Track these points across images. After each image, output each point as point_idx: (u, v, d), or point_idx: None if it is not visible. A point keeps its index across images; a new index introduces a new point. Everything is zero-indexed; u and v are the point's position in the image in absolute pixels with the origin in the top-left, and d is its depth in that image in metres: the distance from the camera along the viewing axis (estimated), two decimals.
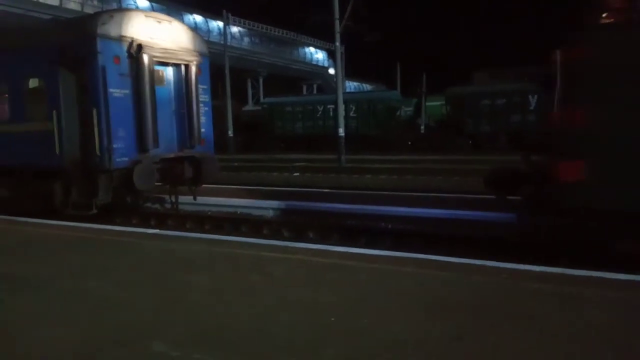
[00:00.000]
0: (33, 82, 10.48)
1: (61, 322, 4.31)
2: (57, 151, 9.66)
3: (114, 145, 9.37)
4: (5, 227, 8.75)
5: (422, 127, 35.45)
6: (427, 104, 36.17)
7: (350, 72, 36.46)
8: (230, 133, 33.85)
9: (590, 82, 5.40)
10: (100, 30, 9.29)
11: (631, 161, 5.22)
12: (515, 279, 4.97)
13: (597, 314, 4.05)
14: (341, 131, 22.74)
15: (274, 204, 12.11)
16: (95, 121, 9.28)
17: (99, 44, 9.23)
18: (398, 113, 34.48)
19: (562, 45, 5.61)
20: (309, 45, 59.11)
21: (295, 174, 18.94)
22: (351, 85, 67.68)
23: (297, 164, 21.83)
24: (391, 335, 3.78)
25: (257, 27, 46.85)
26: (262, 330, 3.98)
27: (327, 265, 5.73)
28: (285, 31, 51.38)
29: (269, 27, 48.47)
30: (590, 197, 5.44)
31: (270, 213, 11.80)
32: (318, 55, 62.46)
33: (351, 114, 32.16)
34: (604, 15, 5.51)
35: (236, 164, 22.60)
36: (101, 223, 8.85)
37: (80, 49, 9.45)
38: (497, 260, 5.58)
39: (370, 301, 4.51)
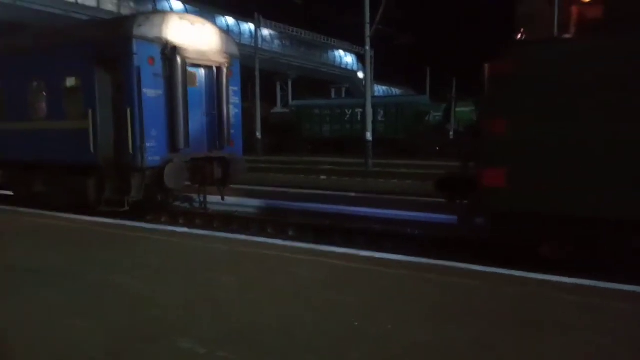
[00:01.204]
0: (70, 81, 10.79)
1: (91, 315, 4.44)
2: (92, 149, 9.93)
3: (147, 144, 9.59)
4: (40, 221, 9.05)
5: (451, 133, 35.06)
6: (457, 109, 35.76)
7: (380, 76, 36.35)
8: (259, 135, 34.15)
9: (511, 94, 5.77)
10: (137, 31, 9.53)
11: (545, 169, 5.60)
12: (544, 289, 4.89)
13: (627, 327, 3.95)
14: (369, 135, 22.70)
15: (300, 206, 12.17)
16: (129, 120, 9.52)
17: (135, 45, 9.47)
18: (427, 118, 34.18)
19: (490, 59, 5.99)
20: (338, 48, 59.20)
21: (322, 177, 18.98)
22: (380, 90, 67.47)
23: (324, 167, 21.88)
24: (415, 342, 3.77)
25: (288, 30, 47.21)
26: (286, 331, 4.02)
27: (351, 269, 5.74)
28: (315, 34, 51.59)
29: (299, 30, 48.77)
30: (510, 201, 5.87)
31: (296, 215, 11.86)
32: (347, 58, 62.50)
33: (379, 118, 32.04)
34: (524, 33, 5.94)
35: (263, 165, 22.79)
36: (132, 220, 9.06)
37: (116, 49, 9.71)
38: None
39: (394, 307, 4.50)
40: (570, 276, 5.11)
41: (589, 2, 5.67)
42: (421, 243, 8.74)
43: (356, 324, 4.12)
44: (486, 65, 5.98)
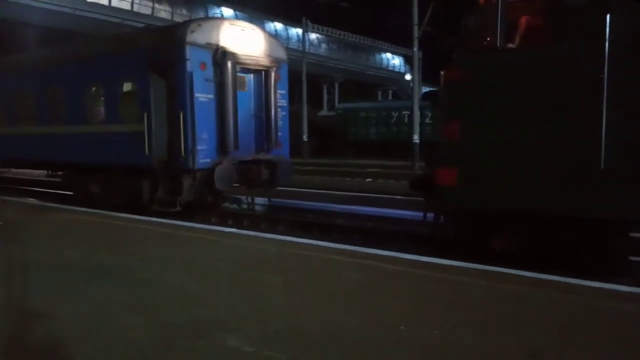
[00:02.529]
0: (127, 86, 11.28)
1: (144, 312, 4.62)
2: (147, 151, 10.32)
3: (198, 147, 9.88)
4: (98, 220, 9.48)
5: None
6: None
7: (427, 77, 35.85)
8: (305, 137, 34.41)
9: (461, 100, 6.20)
10: (189, 37, 9.85)
11: (490, 169, 6.06)
12: (599, 298, 4.69)
13: None
14: (416, 137, 22.44)
15: (345, 208, 12.18)
16: (181, 124, 9.84)
17: (188, 51, 9.78)
18: None
19: (445, 66, 6.41)
20: (385, 51, 58.85)
21: (368, 180, 18.92)
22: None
23: (370, 169, 21.79)
24: (463, 349, 3.71)
25: (335, 33, 47.37)
26: (331, 333, 4.05)
27: (397, 272, 5.70)
28: (362, 37, 51.49)
29: (346, 33, 48.83)
30: (461, 200, 6.29)
31: (342, 217, 11.88)
32: (394, 61, 62.03)
33: (427, 120, 31.60)
34: (472, 40, 6.27)
35: (309, 168, 22.94)
36: (183, 220, 9.35)
37: (170, 55, 10.06)
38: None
39: (441, 312, 4.44)
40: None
41: (528, 15, 5.97)
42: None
43: (402, 327, 4.10)
44: (442, 71, 6.39)
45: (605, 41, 5.20)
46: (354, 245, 7.09)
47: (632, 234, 5.38)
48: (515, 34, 6.03)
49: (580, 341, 3.81)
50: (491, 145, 5.99)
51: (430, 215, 7.18)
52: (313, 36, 47.54)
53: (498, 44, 5.86)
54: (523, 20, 5.99)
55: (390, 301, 4.75)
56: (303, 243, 7.32)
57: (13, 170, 16.41)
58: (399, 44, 50.95)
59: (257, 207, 12.13)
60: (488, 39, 6.06)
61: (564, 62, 5.54)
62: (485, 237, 6.46)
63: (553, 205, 5.65)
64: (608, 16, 5.19)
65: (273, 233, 8.56)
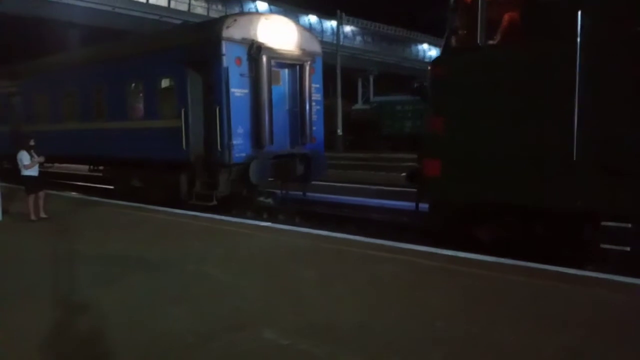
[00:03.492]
0: (165, 82, 11.50)
1: (184, 303, 4.74)
2: (184, 146, 10.52)
3: (234, 142, 10.00)
4: (138, 214, 9.76)
5: None
6: None
7: None
8: (340, 132, 34.33)
9: (445, 95, 6.50)
10: (225, 33, 9.95)
11: (470, 161, 6.29)
12: None
13: None
14: None
15: (380, 202, 12.11)
16: (217, 119, 9.98)
17: (224, 47, 9.89)
18: None
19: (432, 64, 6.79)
20: (422, 42, 57.94)
21: (403, 174, 18.72)
22: None
23: (405, 163, 21.57)
24: (501, 347, 3.65)
25: (370, 25, 46.94)
26: (367, 327, 4.05)
27: (433, 267, 5.65)
28: (397, 29, 50.81)
29: (381, 25, 48.30)
30: (444, 190, 6.59)
31: (376, 212, 11.82)
32: (431, 52, 61.04)
33: None
34: (456, 39, 6.43)
35: (344, 162, 22.90)
36: (220, 214, 9.51)
37: (206, 51, 10.20)
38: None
39: (479, 309, 4.37)
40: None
41: (508, 14, 6.15)
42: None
43: (438, 324, 4.06)
44: (429, 67, 6.77)
45: (576, 38, 5.37)
46: (389, 240, 7.04)
47: (604, 223, 5.50)
48: (497, 33, 6.25)
49: (624, 342, 3.68)
50: (472, 139, 6.28)
51: (423, 206, 7.36)
52: (347, 29, 47.26)
53: (479, 43, 6.09)
54: (504, 19, 6.20)
55: (426, 297, 4.71)
56: (338, 237, 7.33)
57: (57, 165, 17.06)
58: (436, 35, 50.10)
59: (291, 202, 12.20)
60: (470, 37, 6.28)
61: (539, 60, 5.74)
62: (469, 227, 6.74)
63: (529, 197, 5.89)
64: (579, 14, 5.35)
65: (308, 227, 8.60)
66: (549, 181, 5.72)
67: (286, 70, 11.26)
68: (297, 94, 11.17)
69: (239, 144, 10.09)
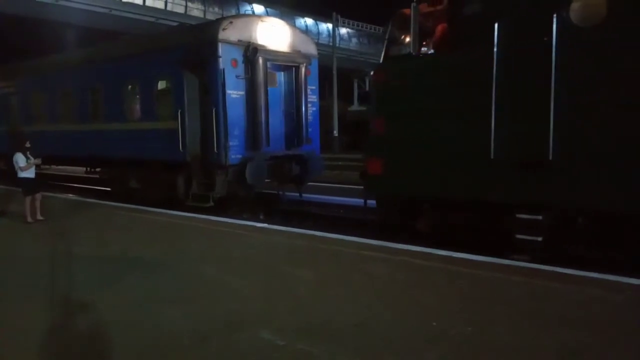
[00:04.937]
0: (161, 84, 11.50)
1: (181, 303, 4.76)
2: (181, 147, 10.54)
3: (230, 143, 10.02)
4: (135, 215, 9.77)
5: None
6: None
7: None
8: (336, 133, 34.36)
9: (385, 99, 7.12)
10: (221, 35, 9.98)
11: (407, 159, 6.87)
12: None
13: None
14: None
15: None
16: (214, 120, 10.01)
17: (220, 48, 9.92)
18: None
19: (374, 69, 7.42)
20: None
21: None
22: None
23: None
24: (497, 347, 3.68)
25: (365, 27, 47.02)
26: (364, 327, 4.08)
27: (428, 267, 5.69)
28: None
29: (377, 27, 48.36)
30: (386, 187, 7.22)
31: (372, 212, 11.86)
32: None
33: None
34: (392, 49, 7.09)
35: (340, 163, 22.92)
36: (217, 215, 9.52)
37: (203, 53, 10.23)
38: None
39: (474, 308, 4.41)
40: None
41: (439, 25, 6.71)
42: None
43: (434, 324, 4.10)
44: (371, 73, 7.29)
45: (493, 47, 5.88)
46: (385, 240, 7.08)
47: (519, 215, 5.99)
48: (428, 42, 6.95)
49: (622, 341, 3.73)
50: (407, 139, 6.86)
51: (371, 202, 7.89)
52: (343, 31, 47.32)
53: (412, 51, 6.67)
54: (434, 30, 6.86)
55: (422, 297, 4.75)
56: (334, 238, 7.36)
57: (54, 166, 17.02)
58: None
59: (288, 202, 12.22)
60: (405, 46, 6.92)
61: (462, 66, 6.31)
62: (410, 221, 7.27)
63: (456, 191, 6.50)
64: (496, 25, 5.85)
65: (304, 228, 8.62)
66: (471, 176, 6.29)
67: (282, 72, 11.30)
68: (293, 96, 11.21)
69: (235, 145, 10.12)
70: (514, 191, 5.96)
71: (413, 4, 6.54)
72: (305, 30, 35.02)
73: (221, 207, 10.63)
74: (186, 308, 4.62)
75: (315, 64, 11.69)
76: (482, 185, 6.20)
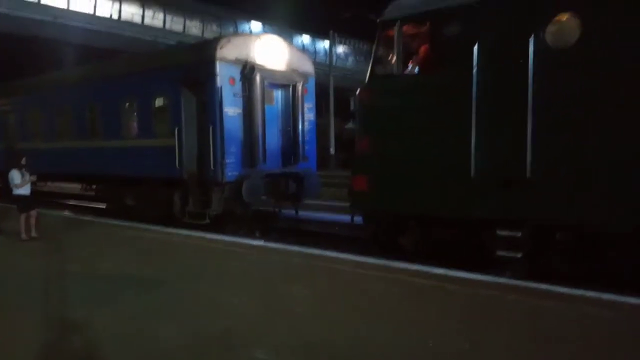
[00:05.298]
0: (159, 101, 11.55)
1: (176, 321, 4.72)
2: (177, 164, 10.55)
3: (227, 160, 10.04)
4: (131, 233, 9.72)
5: None
6: None
7: None
8: (332, 150, 34.45)
9: (369, 118, 7.24)
10: (219, 53, 10.07)
11: (390, 176, 6.96)
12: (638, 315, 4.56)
13: None
14: None
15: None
16: (210, 138, 10.03)
17: (218, 67, 9.99)
18: None
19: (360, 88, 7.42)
20: None
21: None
22: None
23: None
24: None
25: (362, 46, 47.53)
26: (361, 346, 4.05)
27: (426, 286, 5.67)
28: None
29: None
30: (371, 204, 7.29)
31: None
32: None
33: None
34: (377, 68, 7.19)
35: (337, 180, 22.93)
36: (213, 232, 9.49)
37: (200, 71, 10.30)
38: None
39: (472, 328, 4.39)
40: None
41: (422, 46, 6.90)
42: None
43: (431, 344, 4.07)
44: (357, 92, 7.40)
45: (473, 68, 6.05)
46: (381, 258, 7.06)
47: (499, 232, 6.09)
48: (411, 62, 7.08)
49: (615, 358, 3.71)
50: (390, 157, 6.99)
51: (358, 218, 7.98)
52: (340, 49, 47.80)
53: (395, 71, 6.84)
54: (419, 50, 7.00)
55: (419, 315, 4.73)
56: (330, 256, 7.34)
57: (49, 183, 16.98)
58: None
59: (284, 220, 12.21)
60: (389, 66, 7.06)
61: (443, 86, 6.47)
62: (394, 237, 7.37)
63: (439, 208, 6.61)
64: (475, 46, 6.04)
65: (300, 246, 8.60)
66: (452, 194, 6.42)
67: (279, 90, 11.38)
68: (290, 114, 11.27)
69: (232, 162, 10.13)
70: (494, 208, 6.10)
71: (396, 25, 6.73)
72: (303, 49, 35.37)
73: (217, 225, 10.60)
74: (181, 326, 4.58)
75: (312, 82, 11.79)
76: (463, 202, 6.34)
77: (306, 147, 11.46)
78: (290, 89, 11.21)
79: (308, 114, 11.57)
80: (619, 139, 5.30)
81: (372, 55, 7.26)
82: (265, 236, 11.17)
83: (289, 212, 12.01)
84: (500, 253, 6.08)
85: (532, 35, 5.69)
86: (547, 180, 5.69)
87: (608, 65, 5.37)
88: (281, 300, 5.32)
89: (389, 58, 7.05)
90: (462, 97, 6.15)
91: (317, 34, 46.90)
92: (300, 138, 11.23)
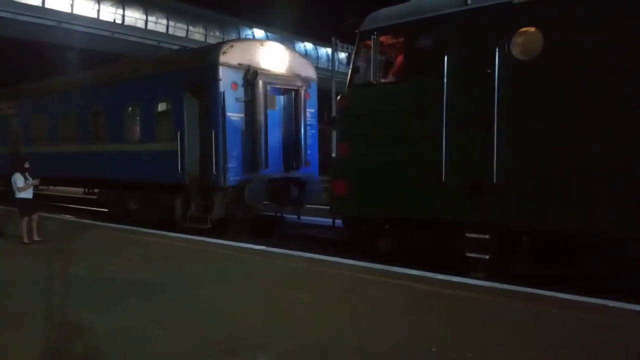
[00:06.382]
0: (161, 106, 11.58)
1: (177, 326, 4.70)
2: (179, 169, 10.55)
3: (229, 165, 10.04)
4: (133, 237, 9.72)
5: None
6: None
7: None
8: (334, 155, 34.42)
9: (347, 124, 7.52)
10: (222, 58, 10.10)
11: (367, 183, 7.22)
12: None
13: None
14: None
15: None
16: (213, 142, 10.04)
17: (220, 72, 10.02)
18: None
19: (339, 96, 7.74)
20: None
21: None
22: None
23: None
24: None
25: None
26: (363, 352, 4.03)
27: (428, 292, 5.64)
28: None
29: None
30: (349, 207, 7.51)
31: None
32: None
33: None
34: (355, 77, 7.46)
35: None
36: (215, 237, 9.48)
37: (203, 76, 10.33)
38: None
39: (476, 334, 4.37)
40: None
41: (398, 55, 7.25)
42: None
43: (433, 350, 4.05)
44: (337, 99, 7.72)
45: (443, 77, 6.32)
46: (383, 264, 7.04)
47: (468, 234, 6.32)
48: (389, 71, 7.40)
49: None
50: (367, 162, 7.21)
51: (338, 222, 8.22)
52: (342, 55, 47.88)
53: (372, 80, 7.08)
54: (395, 60, 7.33)
55: (421, 321, 4.70)
56: (332, 261, 7.32)
57: (51, 187, 16.99)
58: None
59: (286, 225, 12.18)
60: (366, 75, 7.32)
61: (416, 95, 6.72)
62: (372, 239, 7.58)
63: (412, 212, 6.86)
64: (446, 57, 6.31)
65: (302, 250, 8.58)
66: (425, 198, 6.67)
67: (282, 95, 11.39)
68: (292, 119, 11.28)
69: (234, 167, 10.14)
70: (463, 212, 6.33)
71: (374, 36, 6.98)
72: (305, 55, 35.42)
73: (219, 229, 10.59)
74: (183, 331, 4.56)
75: (314, 87, 11.80)
76: (435, 206, 6.57)
77: (308, 152, 11.46)
78: (293, 94, 11.23)
79: (310, 119, 11.58)
80: (580, 146, 5.51)
81: (351, 64, 7.55)
82: (267, 241, 11.15)
83: (291, 217, 12.00)
84: (470, 254, 6.33)
85: (498, 47, 5.97)
86: (512, 186, 5.92)
87: (570, 76, 5.60)
88: (282, 305, 5.30)
89: (367, 67, 7.31)
90: (433, 105, 6.41)
91: (319, 40, 47.05)
92: (302, 143, 11.23)
